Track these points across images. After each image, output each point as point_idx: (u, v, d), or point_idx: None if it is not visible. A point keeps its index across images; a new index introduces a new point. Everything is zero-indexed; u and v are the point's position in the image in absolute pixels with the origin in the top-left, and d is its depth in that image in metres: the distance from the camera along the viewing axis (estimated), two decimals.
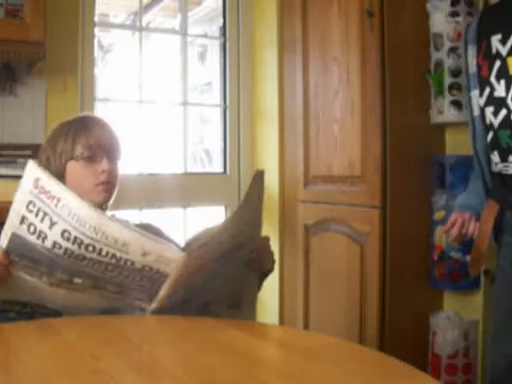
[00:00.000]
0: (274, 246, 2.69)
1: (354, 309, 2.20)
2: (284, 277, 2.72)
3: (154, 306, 0.97)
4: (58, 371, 0.71)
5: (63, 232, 0.92)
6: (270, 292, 2.79)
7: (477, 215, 1.52)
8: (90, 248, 0.93)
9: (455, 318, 2.07)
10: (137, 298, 0.98)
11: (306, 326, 2.49)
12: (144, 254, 0.93)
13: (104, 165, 1.29)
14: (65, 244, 0.93)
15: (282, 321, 2.71)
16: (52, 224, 0.93)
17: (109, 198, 1.32)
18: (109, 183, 1.30)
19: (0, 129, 2.33)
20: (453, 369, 2.02)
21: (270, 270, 1.29)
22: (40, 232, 0.94)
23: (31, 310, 1.00)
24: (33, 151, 2.29)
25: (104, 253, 0.93)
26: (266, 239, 1.25)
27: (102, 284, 0.97)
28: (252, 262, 1.18)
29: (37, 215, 0.94)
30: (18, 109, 2.36)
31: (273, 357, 0.79)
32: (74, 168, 1.28)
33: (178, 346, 0.83)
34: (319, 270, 2.44)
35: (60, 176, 1.27)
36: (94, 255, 0.93)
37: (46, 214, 0.93)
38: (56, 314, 1.01)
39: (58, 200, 0.93)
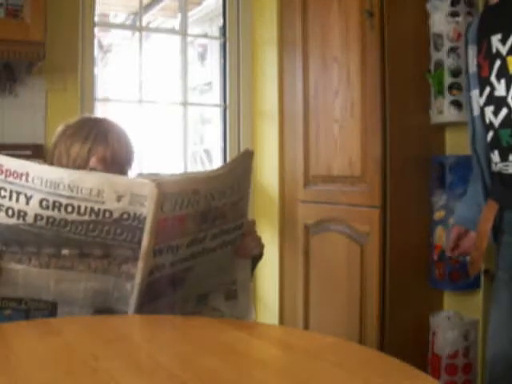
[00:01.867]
0: (274, 246, 2.72)
1: (354, 309, 2.20)
2: (284, 277, 2.72)
3: (140, 264, 0.97)
4: (58, 371, 0.71)
5: (41, 201, 0.95)
6: (270, 292, 2.79)
7: (474, 226, 1.54)
8: (70, 208, 0.95)
9: (455, 318, 2.07)
10: (123, 259, 0.99)
11: (306, 326, 2.49)
12: (118, 198, 0.95)
13: None
14: (45, 213, 0.95)
15: (282, 321, 2.71)
16: (28, 199, 0.95)
17: None
18: None
19: (0, 129, 2.33)
20: (453, 369, 2.02)
21: (260, 256, 1.27)
22: (19, 212, 0.96)
23: (26, 307, 1.01)
24: (33, 151, 2.29)
25: (83, 210, 0.95)
26: (252, 223, 1.24)
27: (87, 250, 0.99)
28: (239, 247, 1.17)
29: (10, 198, 0.96)
30: (18, 109, 2.36)
31: (273, 357, 0.79)
32: None
33: (178, 346, 0.83)
34: (319, 270, 2.44)
35: None
36: (74, 215, 0.95)
37: (19, 193, 0.95)
38: (51, 306, 1.01)
39: (27, 174, 0.95)
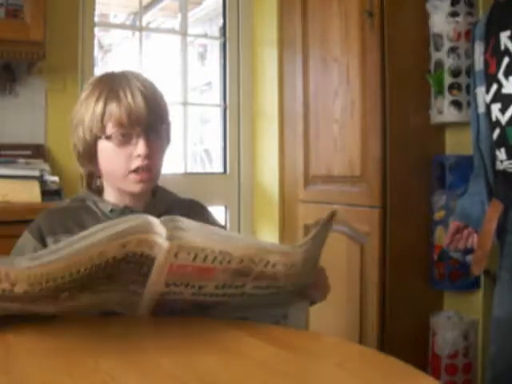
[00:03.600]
0: None
1: (354, 309, 2.20)
2: None
3: (148, 290, 0.87)
4: (58, 371, 0.71)
5: (26, 292, 0.79)
6: None
7: (476, 224, 1.53)
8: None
9: (455, 317, 2.07)
10: (129, 280, 0.87)
11: (306, 326, 2.49)
12: (124, 246, 0.82)
13: (140, 148, 1.10)
14: (37, 287, 0.79)
15: None
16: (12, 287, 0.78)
17: (147, 188, 1.15)
18: (146, 170, 1.12)
19: (0, 129, 2.33)
20: (453, 369, 2.02)
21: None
22: (3, 290, 0.78)
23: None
24: (33, 151, 2.29)
25: (83, 269, 0.81)
26: (322, 271, 1.11)
27: (89, 284, 0.86)
28: (306, 294, 1.08)
29: None
30: (18, 109, 2.36)
31: (273, 357, 0.79)
32: (105, 149, 1.12)
33: (178, 346, 0.83)
34: None
35: (91, 154, 1.15)
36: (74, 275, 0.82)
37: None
38: None
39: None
